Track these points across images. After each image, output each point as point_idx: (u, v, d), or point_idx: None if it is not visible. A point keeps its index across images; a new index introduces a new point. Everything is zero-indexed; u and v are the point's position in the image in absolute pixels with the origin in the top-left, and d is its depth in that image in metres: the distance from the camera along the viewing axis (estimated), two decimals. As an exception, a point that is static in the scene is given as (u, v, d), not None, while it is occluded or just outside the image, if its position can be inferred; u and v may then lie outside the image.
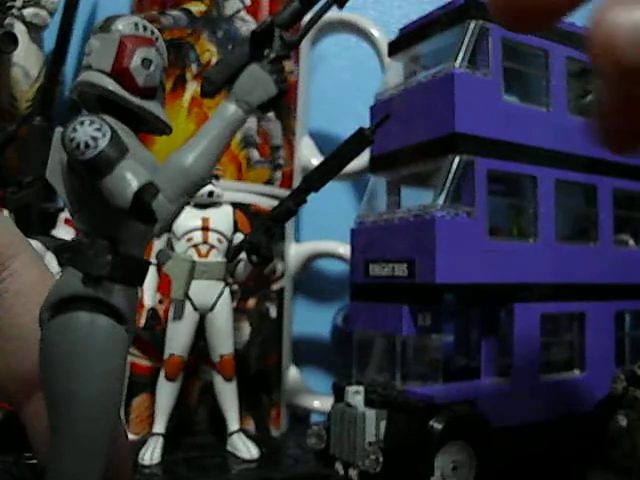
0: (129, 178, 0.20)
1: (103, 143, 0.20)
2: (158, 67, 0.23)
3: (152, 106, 0.23)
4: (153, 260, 0.50)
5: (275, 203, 0.48)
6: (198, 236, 0.52)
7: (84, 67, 0.22)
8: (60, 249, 0.22)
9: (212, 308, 0.52)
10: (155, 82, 0.23)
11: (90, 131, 0.20)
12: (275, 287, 0.62)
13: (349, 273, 0.53)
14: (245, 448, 0.52)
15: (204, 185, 0.23)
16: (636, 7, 0.16)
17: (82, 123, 0.20)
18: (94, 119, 0.21)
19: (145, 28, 0.23)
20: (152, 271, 0.51)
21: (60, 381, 0.21)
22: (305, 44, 0.67)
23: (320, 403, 0.63)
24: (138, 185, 0.20)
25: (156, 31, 0.23)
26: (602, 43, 0.17)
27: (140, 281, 0.23)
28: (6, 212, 0.53)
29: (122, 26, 0.22)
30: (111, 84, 0.22)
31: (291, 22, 0.23)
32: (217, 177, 0.53)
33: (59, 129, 0.21)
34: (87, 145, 0.20)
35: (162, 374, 0.52)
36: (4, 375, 0.25)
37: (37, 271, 0.25)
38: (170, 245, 0.52)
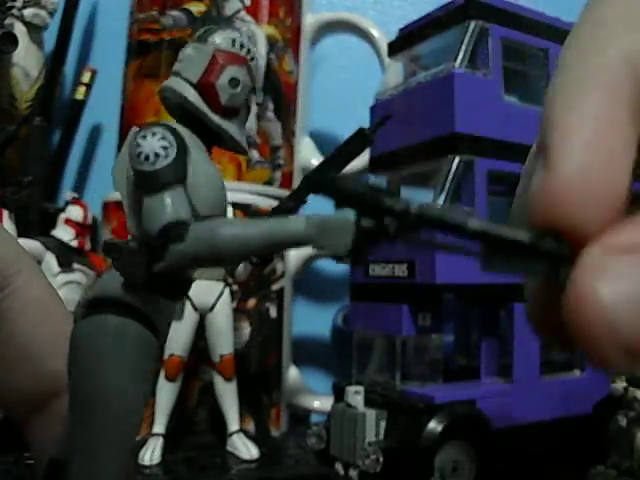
0: (168, 208, 0.20)
1: (162, 163, 0.20)
2: (245, 88, 0.22)
3: (230, 126, 0.22)
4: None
5: (275, 203, 0.48)
6: (198, 236, 0.52)
7: (173, 73, 0.22)
8: (107, 249, 0.21)
9: (212, 308, 0.52)
10: (239, 102, 0.22)
11: (156, 146, 0.20)
12: (275, 287, 0.62)
13: (349, 273, 0.52)
14: (245, 448, 0.52)
15: (219, 265, 0.22)
16: (622, 274, 0.12)
17: (154, 134, 0.20)
18: (167, 135, 0.20)
19: (242, 46, 0.22)
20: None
21: (83, 381, 0.21)
22: (305, 44, 0.67)
23: (320, 403, 0.63)
24: (172, 218, 0.20)
25: (253, 50, 0.23)
26: (598, 330, 0.13)
27: (179, 296, 0.23)
28: (6, 212, 0.53)
29: (219, 40, 0.22)
30: (193, 96, 0.22)
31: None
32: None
33: (135, 129, 0.21)
34: (147, 158, 0.20)
35: (162, 374, 0.52)
36: (10, 393, 0.25)
37: (40, 288, 0.25)
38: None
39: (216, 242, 0.20)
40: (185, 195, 0.21)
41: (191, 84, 0.22)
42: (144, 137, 0.20)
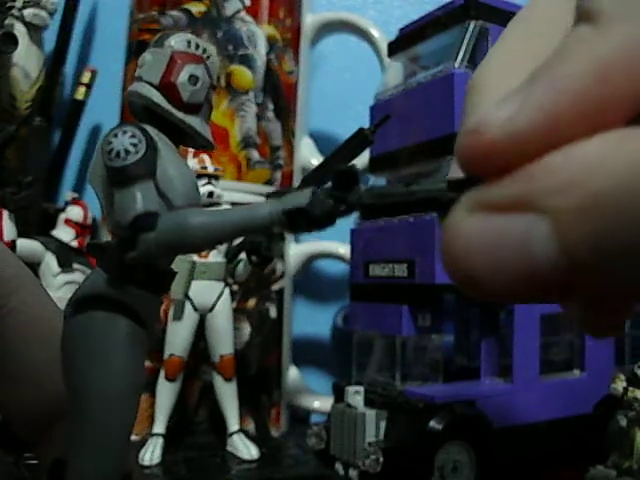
0: (139, 200, 0.21)
1: (132, 158, 0.21)
2: (204, 85, 0.24)
3: (194, 121, 0.24)
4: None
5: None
6: (198, 236, 0.52)
7: (135, 78, 0.24)
8: (90, 248, 0.22)
9: (212, 308, 0.52)
10: (200, 99, 0.24)
11: (127, 143, 0.21)
12: (275, 287, 0.62)
13: (349, 273, 0.52)
14: (245, 448, 0.52)
15: (191, 252, 0.23)
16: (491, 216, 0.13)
17: (125, 132, 0.21)
18: (136, 132, 0.22)
19: (197, 46, 0.24)
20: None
21: (76, 377, 0.22)
22: (305, 44, 0.67)
23: (320, 403, 0.63)
24: (142, 210, 0.21)
25: (209, 49, 0.24)
26: (450, 258, 0.14)
27: (163, 289, 0.23)
28: (6, 212, 0.53)
29: (174, 42, 0.24)
30: (157, 96, 0.23)
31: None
32: (217, 177, 0.53)
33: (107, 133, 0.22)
34: (118, 154, 0.21)
35: (162, 374, 0.52)
36: (14, 415, 0.25)
37: (37, 305, 0.25)
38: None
39: (187, 229, 0.21)
40: (154, 188, 0.22)
41: (153, 86, 0.23)
42: (115, 135, 0.21)
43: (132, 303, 0.22)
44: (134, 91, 0.23)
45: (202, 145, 0.25)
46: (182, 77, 0.23)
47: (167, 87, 0.23)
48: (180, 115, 0.23)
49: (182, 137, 0.24)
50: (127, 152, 0.21)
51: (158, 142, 0.22)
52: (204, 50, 0.24)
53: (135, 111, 0.24)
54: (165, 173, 0.22)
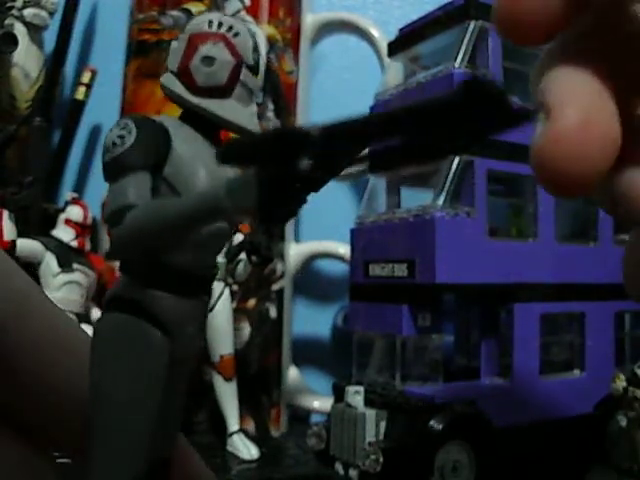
0: (122, 194, 0.20)
1: (117, 151, 0.20)
2: (224, 64, 0.21)
3: (214, 105, 0.22)
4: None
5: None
6: (198, 236, 0.52)
7: (165, 68, 0.22)
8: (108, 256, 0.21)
9: (212, 308, 0.52)
10: (218, 81, 0.21)
11: (114, 136, 0.20)
12: (275, 287, 0.62)
13: (349, 273, 0.52)
14: (245, 448, 0.52)
15: (150, 248, 0.21)
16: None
17: (117, 125, 0.20)
18: (128, 124, 0.20)
19: (220, 24, 0.22)
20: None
21: (92, 380, 0.21)
22: (305, 44, 0.67)
23: (320, 403, 0.63)
24: (120, 205, 0.19)
25: (237, 27, 0.22)
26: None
27: (193, 292, 0.22)
28: (6, 212, 0.53)
29: (195, 23, 0.22)
30: (177, 85, 0.22)
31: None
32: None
33: None
34: (107, 149, 0.20)
35: (162, 374, 0.52)
36: (45, 424, 0.24)
37: (47, 316, 0.24)
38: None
39: (138, 220, 0.19)
40: (149, 181, 0.20)
41: (174, 74, 0.22)
42: (110, 130, 0.20)
43: (151, 306, 0.21)
44: (161, 83, 0.22)
45: (233, 130, 0.23)
46: (195, 59, 0.21)
47: (183, 72, 0.21)
48: (195, 100, 0.21)
49: (215, 126, 0.22)
50: (114, 145, 0.20)
51: (175, 135, 0.21)
52: (229, 27, 0.22)
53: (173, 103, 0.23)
54: (178, 169, 0.20)
